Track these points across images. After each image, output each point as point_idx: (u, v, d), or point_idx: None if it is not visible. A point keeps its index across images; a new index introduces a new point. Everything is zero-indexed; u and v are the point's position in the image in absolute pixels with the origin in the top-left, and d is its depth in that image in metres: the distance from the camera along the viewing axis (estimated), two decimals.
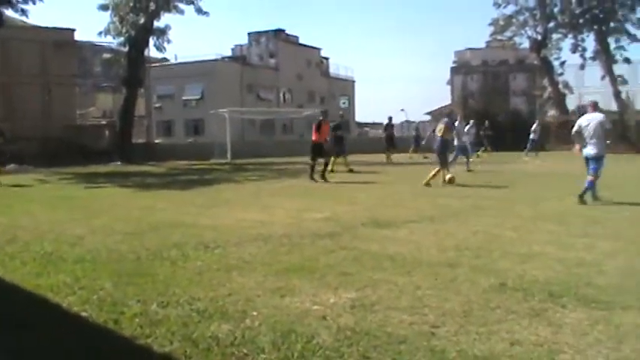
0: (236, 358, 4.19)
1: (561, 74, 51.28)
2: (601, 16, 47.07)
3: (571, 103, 52.19)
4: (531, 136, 34.16)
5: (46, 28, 41.41)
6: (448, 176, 16.63)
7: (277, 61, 73.66)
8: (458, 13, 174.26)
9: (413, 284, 5.90)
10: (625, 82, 47.80)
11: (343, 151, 23.04)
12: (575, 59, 50.09)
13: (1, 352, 4.43)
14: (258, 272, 6.51)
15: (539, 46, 51.10)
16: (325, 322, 4.82)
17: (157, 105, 58.74)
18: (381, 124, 46.28)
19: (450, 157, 17.93)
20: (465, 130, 24.39)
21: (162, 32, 37.10)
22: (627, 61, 47.69)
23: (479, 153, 32.35)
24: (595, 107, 13.05)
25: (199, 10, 36.46)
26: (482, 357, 4.09)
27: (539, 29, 51.29)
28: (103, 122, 46.46)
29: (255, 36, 77.07)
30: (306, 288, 5.83)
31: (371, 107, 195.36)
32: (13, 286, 6.23)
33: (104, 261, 7.28)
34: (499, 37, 55.68)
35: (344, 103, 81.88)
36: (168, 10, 36.22)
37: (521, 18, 51.36)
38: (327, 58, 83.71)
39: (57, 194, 17.04)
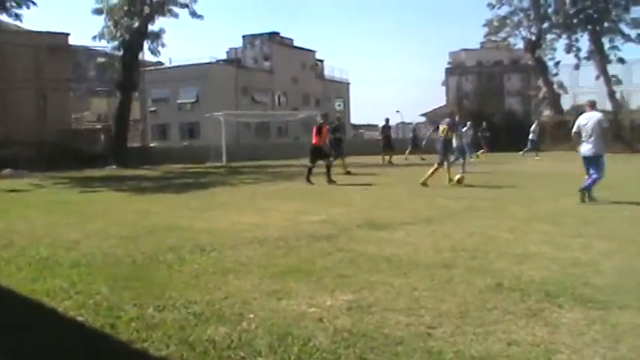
0: None
1: (556, 74, 51.59)
2: (595, 16, 47.27)
3: (566, 103, 52.47)
4: (530, 136, 34.21)
5: (40, 32, 41.21)
6: (457, 176, 16.74)
7: (272, 63, 73.61)
8: (452, 14, 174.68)
9: (409, 286, 5.90)
10: (619, 82, 48.02)
11: (341, 153, 23.09)
12: (570, 59, 50.41)
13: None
14: (254, 275, 6.50)
15: (533, 46, 51.26)
16: (322, 324, 4.81)
17: (151, 109, 58.71)
18: (376, 125, 46.36)
19: (451, 158, 17.95)
20: (463, 131, 24.42)
21: (156, 36, 37.08)
22: (621, 61, 47.86)
23: (478, 154, 32.43)
24: (593, 106, 13.12)
25: (194, 14, 36.50)
26: (479, 357, 4.09)
27: (533, 30, 51.50)
28: (98, 126, 46.30)
29: (249, 39, 77.03)
30: (302, 290, 5.82)
31: (366, 109, 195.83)
32: (9, 291, 6.21)
33: (100, 265, 7.26)
34: (493, 38, 55.87)
35: (339, 105, 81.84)
36: (163, 14, 36.22)
37: (515, 19, 51.67)
38: (321, 61, 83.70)
39: (53, 199, 17.02)
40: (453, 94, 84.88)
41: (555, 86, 51.58)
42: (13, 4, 32.31)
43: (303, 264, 7.00)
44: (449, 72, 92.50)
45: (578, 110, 34.56)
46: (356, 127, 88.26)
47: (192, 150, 43.31)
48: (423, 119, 76.65)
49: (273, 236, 8.94)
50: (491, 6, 51.13)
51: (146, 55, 40.47)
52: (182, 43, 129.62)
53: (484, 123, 37.52)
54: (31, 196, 18.45)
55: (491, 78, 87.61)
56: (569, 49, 49.63)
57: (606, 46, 48.06)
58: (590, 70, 49.80)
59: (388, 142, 30.56)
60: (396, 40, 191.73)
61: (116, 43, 36.66)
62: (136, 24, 35.16)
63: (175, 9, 36.42)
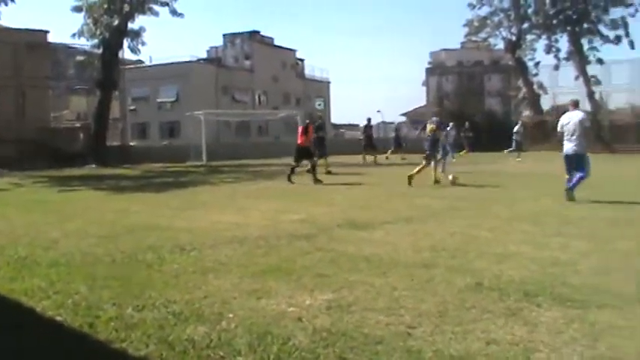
0: None
1: (536, 75, 51.86)
2: (574, 17, 47.59)
3: (545, 103, 52.82)
4: (514, 137, 34.35)
5: (19, 29, 40.77)
6: (450, 176, 16.82)
7: (252, 62, 73.57)
8: (432, 14, 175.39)
9: (389, 285, 5.90)
10: (598, 82, 48.39)
11: (324, 153, 23.06)
12: (550, 60, 50.71)
13: None
14: (234, 274, 6.48)
15: (513, 46, 51.57)
16: (301, 323, 4.81)
17: (131, 107, 58.47)
18: (357, 125, 46.39)
19: (438, 157, 18.02)
20: (447, 130, 24.59)
21: (136, 34, 36.82)
22: (600, 61, 48.20)
23: (461, 153, 32.60)
24: (576, 105, 13.29)
25: (174, 12, 36.21)
26: (458, 357, 4.10)
27: (513, 30, 51.82)
28: (77, 125, 46.01)
29: (230, 37, 76.95)
30: (282, 290, 5.81)
31: (346, 108, 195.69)
32: None
33: (79, 264, 7.21)
34: (474, 38, 56.05)
35: (319, 104, 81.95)
36: (143, 12, 35.94)
37: (495, 19, 51.86)
38: (302, 60, 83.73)
39: (32, 198, 16.90)
40: (434, 94, 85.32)
41: (535, 86, 51.88)
42: None
43: (283, 263, 6.99)
44: (429, 72, 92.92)
45: (558, 110, 34.88)
46: (337, 126, 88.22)
47: (172, 149, 43.18)
48: (403, 119, 76.96)
49: (254, 235, 8.92)
50: (471, 6, 51.41)
51: (126, 54, 40.32)
52: (162, 41, 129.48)
53: (467, 123, 37.73)
54: (10, 195, 18.31)
55: (472, 78, 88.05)
56: (548, 50, 49.96)
57: (585, 46, 48.45)
58: (569, 70, 50.23)
59: (370, 141, 30.62)
60: (375, 39, 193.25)
61: (96, 41, 36.38)
62: (116, 22, 34.90)
63: (156, 7, 36.14)
